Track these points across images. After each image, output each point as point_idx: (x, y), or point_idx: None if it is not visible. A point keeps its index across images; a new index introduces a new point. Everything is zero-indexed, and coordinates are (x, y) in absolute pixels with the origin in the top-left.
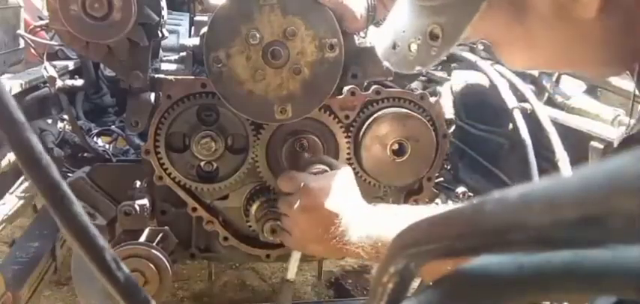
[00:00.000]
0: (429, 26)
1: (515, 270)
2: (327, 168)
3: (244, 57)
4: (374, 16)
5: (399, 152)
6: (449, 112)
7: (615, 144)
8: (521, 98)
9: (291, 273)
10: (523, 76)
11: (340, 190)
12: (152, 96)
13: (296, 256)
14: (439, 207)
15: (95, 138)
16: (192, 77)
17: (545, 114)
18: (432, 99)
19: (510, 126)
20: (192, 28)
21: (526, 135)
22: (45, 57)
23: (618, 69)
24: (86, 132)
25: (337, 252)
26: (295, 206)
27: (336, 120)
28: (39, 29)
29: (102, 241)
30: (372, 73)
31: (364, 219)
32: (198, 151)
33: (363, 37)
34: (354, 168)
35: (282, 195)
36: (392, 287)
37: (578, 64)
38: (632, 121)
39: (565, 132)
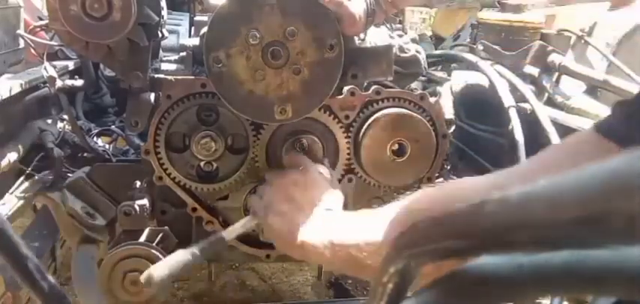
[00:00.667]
0: None
1: (515, 270)
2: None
3: (244, 57)
4: (373, 20)
5: (399, 152)
6: (449, 112)
7: None
8: (521, 98)
9: (231, 234)
10: (523, 76)
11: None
12: (152, 96)
13: (244, 222)
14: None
15: (95, 138)
16: (192, 77)
17: (545, 114)
18: (432, 99)
19: (510, 126)
20: (192, 28)
21: (519, 136)
22: (45, 57)
23: None
24: (86, 132)
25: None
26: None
27: (336, 120)
28: (39, 29)
29: (25, 250)
30: (372, 74)
31: (327, 222)
32: (198, 151)
33: (362, 40)
34: (353, 168)
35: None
36: (392, 287)
37: None
38: None
39: (565, 132)
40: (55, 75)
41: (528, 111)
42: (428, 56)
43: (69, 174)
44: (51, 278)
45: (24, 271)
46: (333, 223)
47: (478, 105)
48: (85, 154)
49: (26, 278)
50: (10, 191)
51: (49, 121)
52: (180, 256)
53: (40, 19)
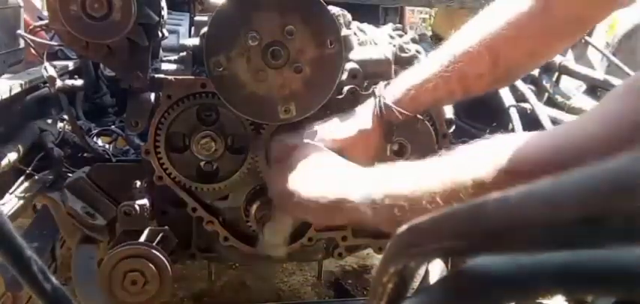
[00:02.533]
0: None
1: (515, 270)
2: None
3: (244, 59)
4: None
5: (399, 152)
6: (449, 112)
7: None
8: (521, 98)
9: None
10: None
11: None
12: (152, 96)
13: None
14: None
15: (95, 138)
16: (192, 77)
17: (545, 114)
18: None
19: (510, 126)
20: (192, 28)
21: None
22: (45, 57)
23: None
24: (86, 132)
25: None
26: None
27: None
28: (39, 29)
29: (29, 252)
30: (372, 73)
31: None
32: (198, 151)
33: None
34: None
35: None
36: (392, 287)
37: None
38: None
39: None
40: (55, 75)
41: (528, 111)
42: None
43: (69, 174)
44: (55, 280)
45: (28, 273)
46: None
47: (478, 105)
48: (85, 154)
49: (30, 280)
50: (10, 191)
51: (49, 121)
52: None
53: (40, 19)
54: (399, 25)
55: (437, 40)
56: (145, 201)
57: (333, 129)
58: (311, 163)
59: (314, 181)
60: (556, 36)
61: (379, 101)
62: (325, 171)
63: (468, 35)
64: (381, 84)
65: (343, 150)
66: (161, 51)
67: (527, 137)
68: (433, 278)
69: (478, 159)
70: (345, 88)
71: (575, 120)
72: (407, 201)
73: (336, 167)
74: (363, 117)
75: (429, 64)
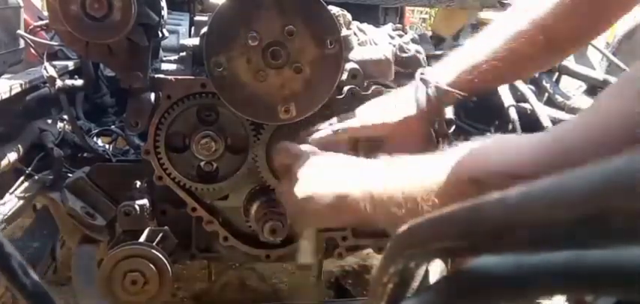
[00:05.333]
0: None
1: (515, 270)
2: None
3: (245, 59)
4: None
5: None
6: (449, 112)
7: None
8: (521, 98)
9: (305, 256)
10: None
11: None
12: (152, 96)
13: (306, 237)
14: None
15: (95, 138)
16: (192, 77)
17: (545, 114)
18: None
19: (510, 126)
20: (192, 28)
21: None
22: (45, 57)
23: None
24: (86, 132)
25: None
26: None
27: None
28: (39, 29)
29: (10, 248)
30: (372, 73)
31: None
32: (198, 151)
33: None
34: None
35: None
36: (392, 287)
37: None
38: None
39: None
40: (55, 75)
41: (528, 111)
42: (428, 56)
43: (69, 174)
44: (35, 276)
45: (7, 269)
46: (374, 170)
47: (478, 105)
48: (85, 154)
49: (10, 276)
50: (10, 191)
51: (49, 121)
52: None
53: (40, 19)
54: (399, 25)
55: (437, 40)
56: (145, 201)
57: (373, 114)
58: (312, 169)
59: (316, 184)
60: (606, 8)
61: (429, 86)
62: (328, 172)
63: (516, 17)
64: (419, 70)
65: (386, 137)
66: (161, 51)
67: (524, 139)
68: (433, 278)
69: (476, 158)
70: (345, 88)
71: (570, 119)
72: (403, 197)
73: (338, 166)
74: (406, 103)
75: (478, 48)
